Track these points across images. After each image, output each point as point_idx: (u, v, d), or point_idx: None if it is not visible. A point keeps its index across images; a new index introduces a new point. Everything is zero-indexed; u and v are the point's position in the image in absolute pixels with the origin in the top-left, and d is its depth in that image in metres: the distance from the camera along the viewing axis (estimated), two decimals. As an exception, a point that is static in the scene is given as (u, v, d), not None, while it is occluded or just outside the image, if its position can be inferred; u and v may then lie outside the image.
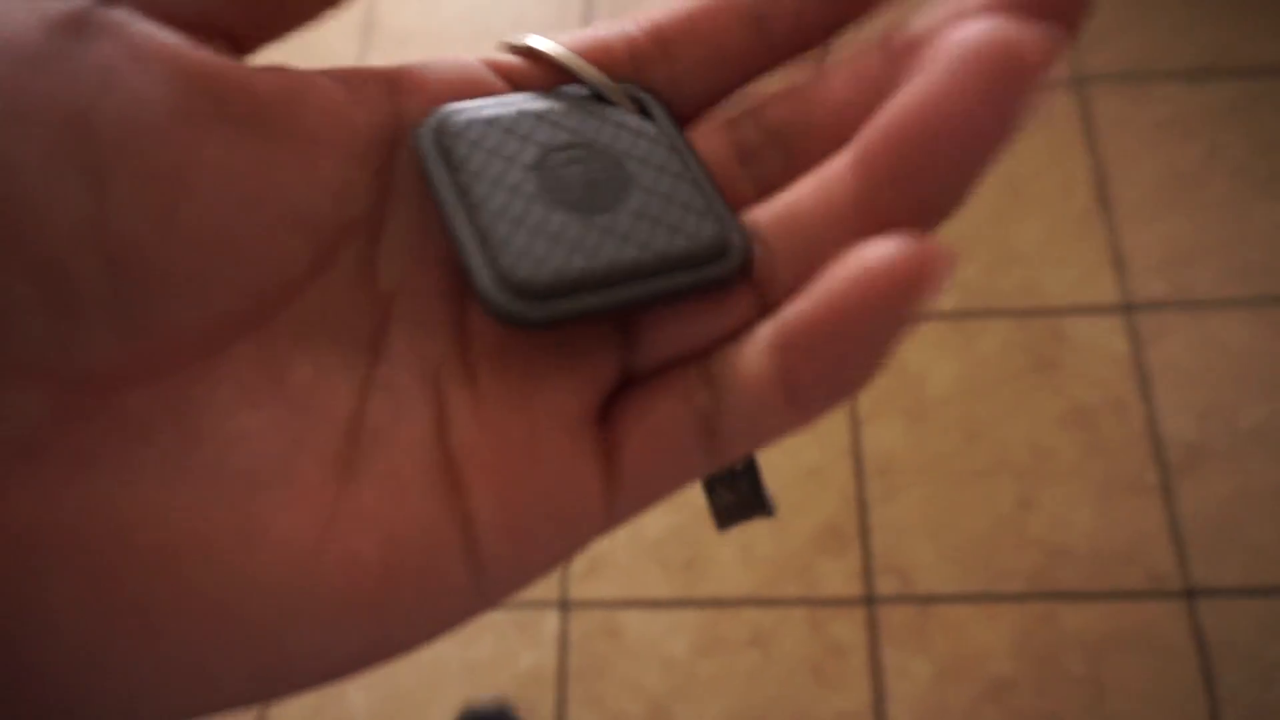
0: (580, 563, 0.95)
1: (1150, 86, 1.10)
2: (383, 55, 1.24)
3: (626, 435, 0.12)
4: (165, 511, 0.10)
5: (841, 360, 0.11)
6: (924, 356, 1.00)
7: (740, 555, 0.94)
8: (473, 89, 0.14)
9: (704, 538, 0.95)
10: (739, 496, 0.18)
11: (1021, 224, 1.05)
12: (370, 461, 0.12)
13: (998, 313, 1.01)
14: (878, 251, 0.11)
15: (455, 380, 0.12)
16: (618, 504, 0.12)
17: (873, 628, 0.90)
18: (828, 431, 0.98)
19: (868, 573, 0.92)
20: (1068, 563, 0.91)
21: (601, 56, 0.14)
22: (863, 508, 0.95)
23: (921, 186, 0.12)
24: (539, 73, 0.14)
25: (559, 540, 0.12)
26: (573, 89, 0.14)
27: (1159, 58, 1.11)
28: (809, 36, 0.14)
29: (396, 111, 0.13)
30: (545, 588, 0.94)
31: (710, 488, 0.17)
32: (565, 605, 0.94)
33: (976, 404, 0.97)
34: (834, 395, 0.12)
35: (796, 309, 0.12)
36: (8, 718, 0.10)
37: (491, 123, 0.13)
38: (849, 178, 0.12)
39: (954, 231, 1.05)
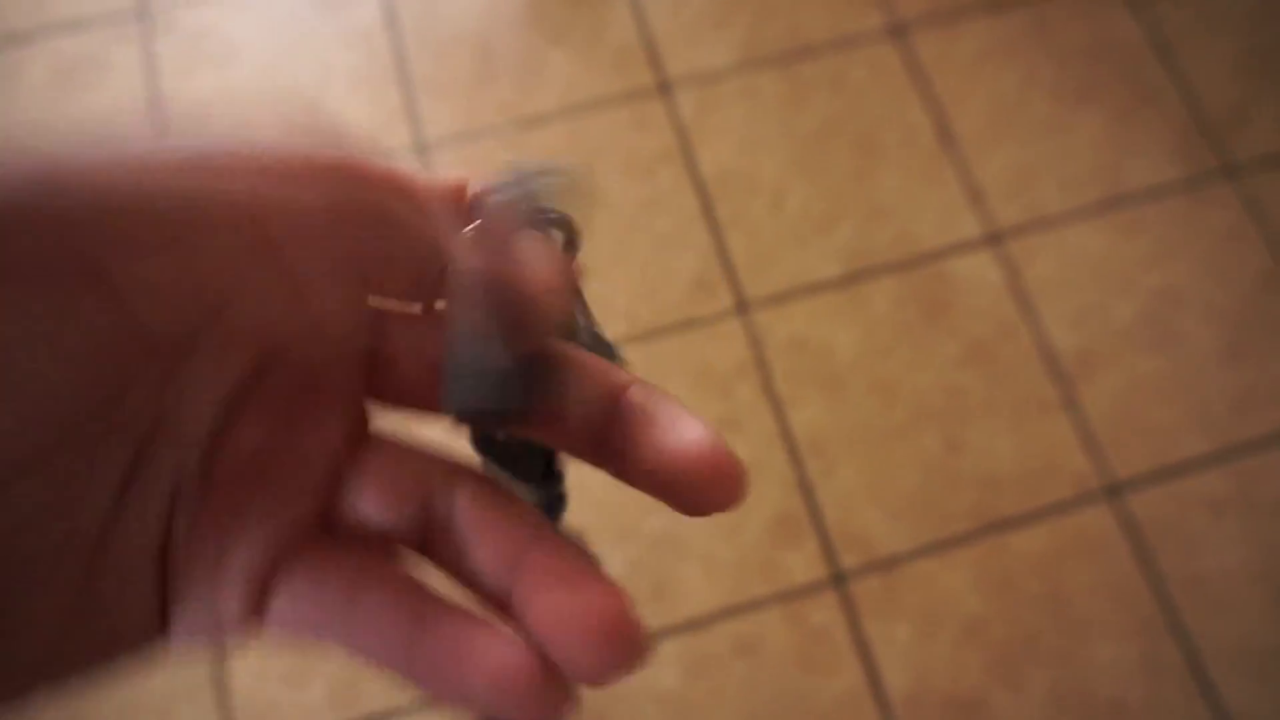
0: (547, 622, 0.92)
1: (959, 23, 1.15)
2: (180, 133, 1.13)
3: (280, 592, 0.15)
4: None
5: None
6: (825, 328, 1.01)
7: (703, 570, 0.93)
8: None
9: (663, 564, 0.94)
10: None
11: (879, 179, 1.08)
12: (115, 552, 0.14)
13: (881, 269, 1.04)
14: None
15: (187, 501, 0.15)
16: (261, 633, 0.15)
17: (848, 605, 0.92)
18: (754, 424, 0.98)
19: (829, 552, 0.94)
20: (1002, 492, 0.95)
21: None
22: (807, 490, 0.96)
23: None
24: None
25: (213, 639, 0.15)
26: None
27: (961, -6, 1.16)
28: None
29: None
30: (518, 657, 0.90)
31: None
32: (544, 669, 0.90)
33: (883, 362, 1.00)
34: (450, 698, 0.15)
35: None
36: None
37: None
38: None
39: (821, 200, 1.07)
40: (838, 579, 0.93)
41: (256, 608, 0.15)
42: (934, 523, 0.94)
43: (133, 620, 0.14)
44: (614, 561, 0.94)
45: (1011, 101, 1.11)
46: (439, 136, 1.12)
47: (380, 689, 0.90)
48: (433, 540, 0.16)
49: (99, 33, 1.19)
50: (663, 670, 0.90)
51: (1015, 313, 1.02)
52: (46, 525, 0.13)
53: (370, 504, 0.16)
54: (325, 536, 0.16)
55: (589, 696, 0.89)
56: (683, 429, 0.15)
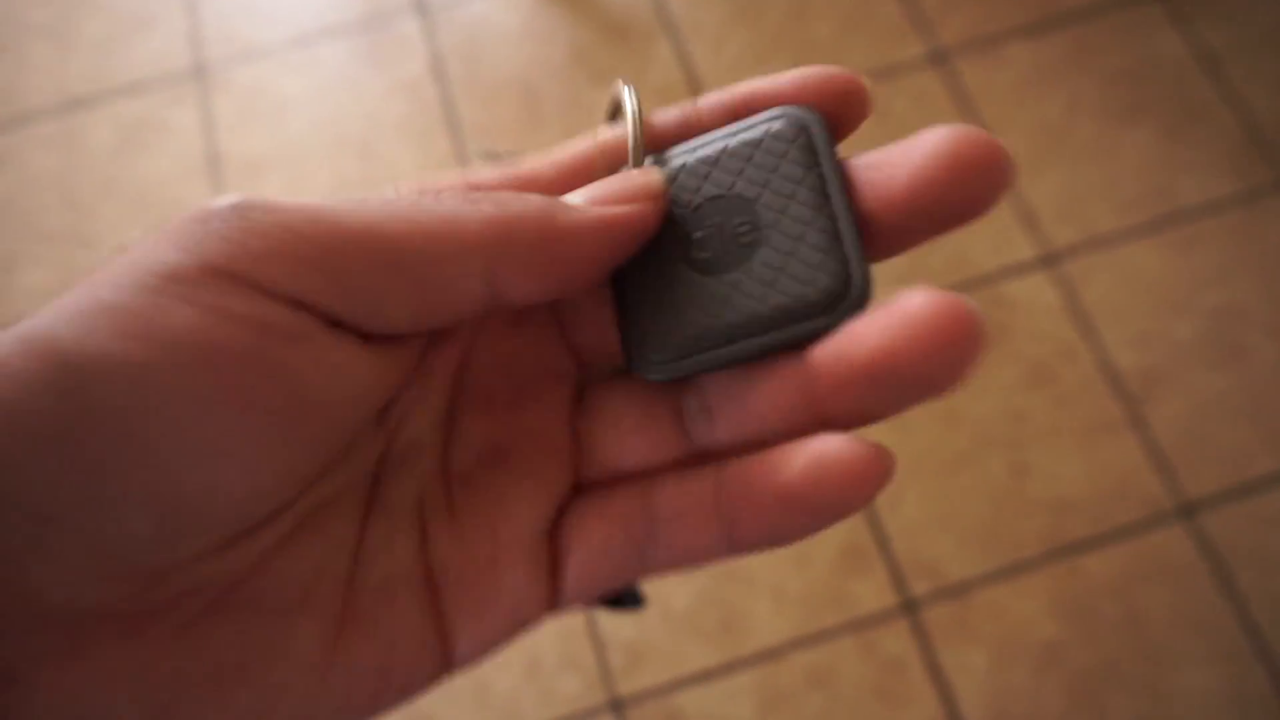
0: (620, 657, 0.91)
1: (1000, 48, 1.16)
2: (239, 189, 1.16)
3: (571, 550, 0.15)
4: (210, 649, 0.13)
5: (780, 530, 0.14)
6: (883, 356, 1.02)
7: (772, 602, 0.93)
8: None
9: (731, 596, 0.93)
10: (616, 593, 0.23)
11: (929, 206, 1.08)
12: (369, 577, 0.14)
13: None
14: (832, 449, 0.13)
15: (436, 503, 0.15)
16: (559, 604, 0.15)
17: (920, 633, 0.91)
18: (817, 454, 0.98)
19: (898, 580, 0.93)
20: (1072, 514, 0.94)
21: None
22: (874, 520, 0.95)
23: (869, 410, 0.14)
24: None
25: (513, 631, 0.15)
26: (737, 128, 0.15)
27: (1001, 18, 1.17)
28: None
29: None
30: (591, 693, 0.90)
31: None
32: (618, 705, 0.90)
33: (944, 388, 1.00)
34: (769, 546, 0.14)
35: (744, 478, 0.14)
36: None
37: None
38: (799, 390, 0.14)
39: (871, 228, 1.07)
40: (909, 607, 0.92)
41: (552, 579, 0.15)
42: (1004, 548, 0.93)
43: (406, 646, 0.14)
44: (682, 594, 0.93)
45: (1058, 125, 1.11)
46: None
47: (454, 731, 0.90)
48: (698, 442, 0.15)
49: (158, 94, 1.23)
50: (737, 704, 0.89)
51: (1075, 334, 1.01)
52: (291, 555, 0.14)
53: (624, 448, 0.15)
54: (589, 493, 0.16)
55: (663, 734, 0.88)
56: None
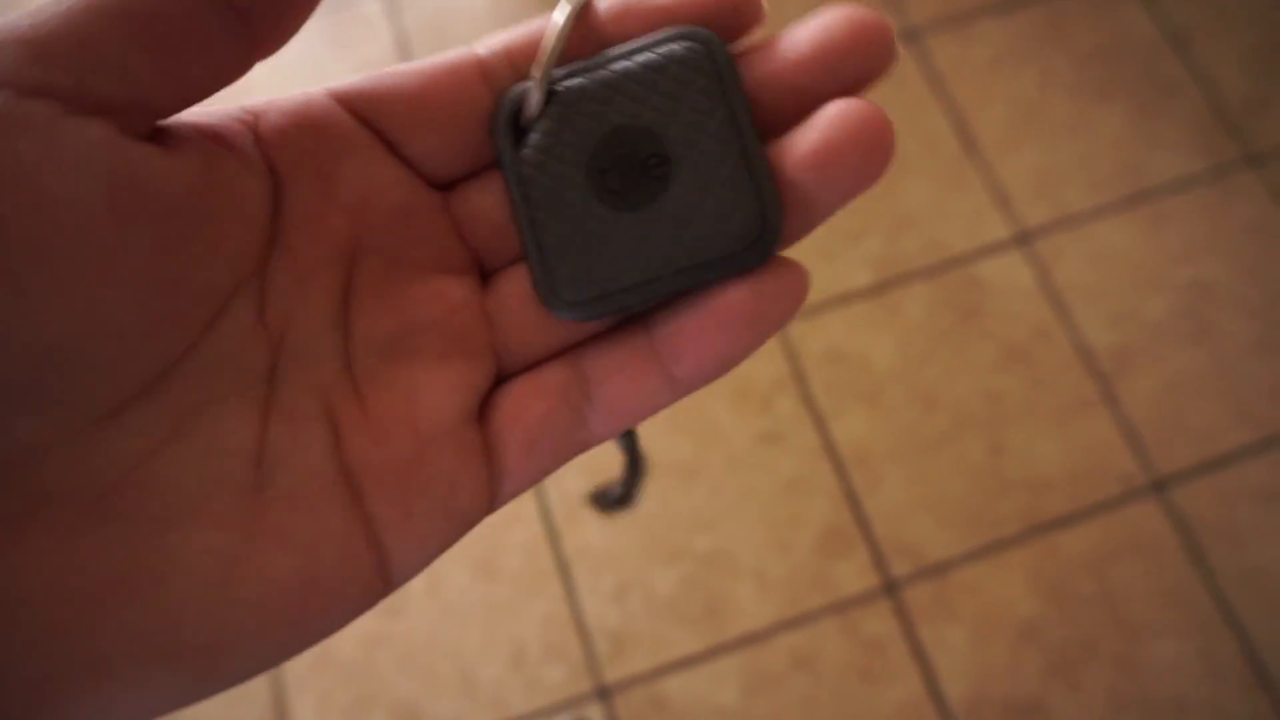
0: (605, 644, 0.92)
1: (972, 26, 1.15)
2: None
3: (506, 432, 0.14)
4: (86, 562, 0.12)
5: (723, 352, 0.14)
6: (861, 339, 1.02)
7: (755, 586, 0.93)
8: (331, 138, 0.15)
9: (714, 582, 0.94)
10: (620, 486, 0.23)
11: (906, 186, 1.08)
12: (276, 484, 0.13)
13: (912, 276, 1.04)
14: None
15: (345, 400, 0.14)
16: (501, 491, 0.15)
17: (901, 613, 0.92)
18: (797, 440, 0.98)
19: (880, 562, 0.94)
20: (1049, 492, 0.96)
21: (449, 78, 0.15)
22: (854, 501, 0.96)
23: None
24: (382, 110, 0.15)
25: (452, 529, 0.14)
26: (634, 48, 0.14)
27: (974, -2, 1.17)
28: None
29: (272, 169, 0.14)
30: (576, 681, 0.90)
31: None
32: (604, 692, 0.90)
33: (922, 370, 1.00)
34: (712, 376, 0.14)
35: (677, 319, 0.15)
36: None
37: (553, 113, 0.14)
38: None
39: (847, 212, 1.07)
40: (890, 587, 0.93)
41: (488, 468, 0.14)
42: (982, 527, 0.95)
43: (331, 550, 0.13)
44: (666, 581, 0.94)
45: (1030, 102, 1.11)
46: (463, 166, 1.12)
47: (440, 719, 0.90)
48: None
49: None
50: (722, 687, 0.90)
51: (1049, 313, 1.02)
52: (177, 460, 0.13)
53: (542, 328, 0.15)
54: (516, 375, 0.15)
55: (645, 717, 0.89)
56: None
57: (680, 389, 0.14)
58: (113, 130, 0.12)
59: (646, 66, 0.14)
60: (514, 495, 0.15)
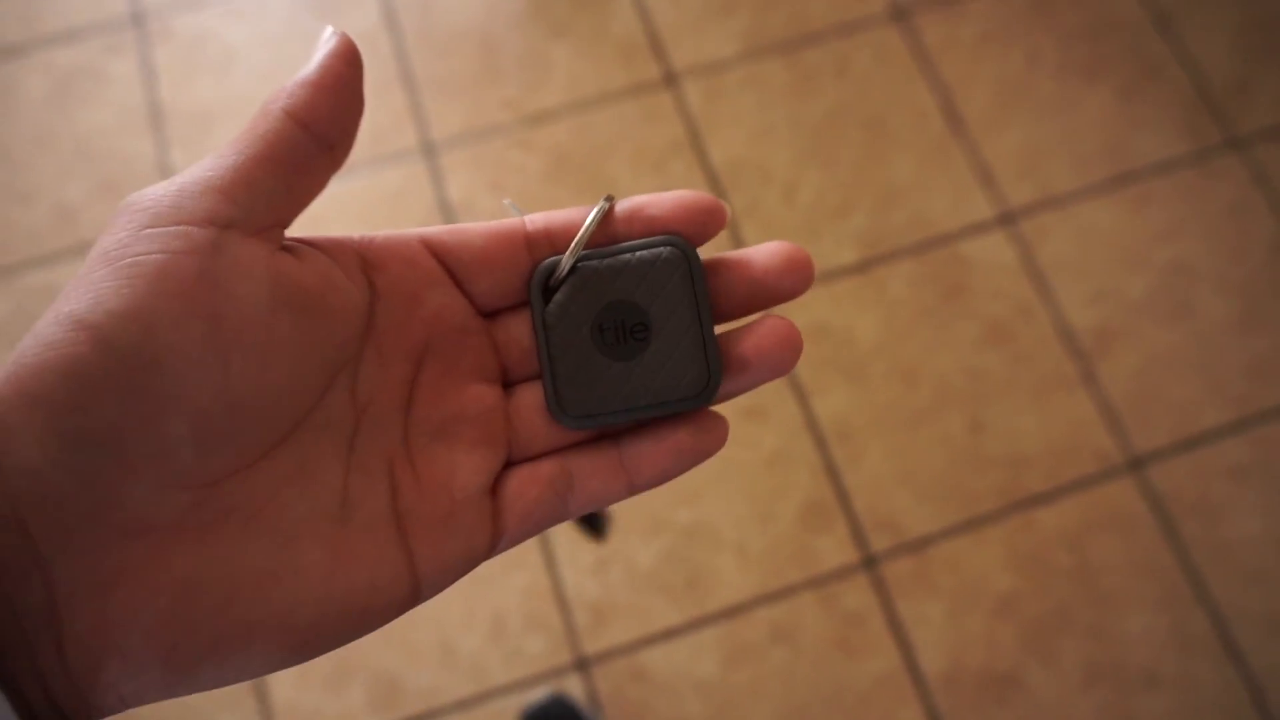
0: (584, 616, 0.92)
1: (961, 4, 1.15)
2: (185, 143, 1.12)
3: (509, 506, 0.20)
4: (245, 561, 0.17)
5: (670, 472, 0.21)
6: (845, 314, 1.02)
7: (736, 559, 0.94)
8: (416, 270, 0.20)
9: (696, 555, 0.94)
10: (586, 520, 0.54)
11: (891, 162, 1.08)
12: (354, 519, 0.19)
13: (898, 253, 1.04)
14: (702, 419, 0.22)
15: (402, 463, 0.20)
16: (500, 546, 0.20)
17: (880, 588, 0.93)
18: (779, 414, 0.98)
19: (859, 536, 0.94)
20: (1027, 469, 0.96)
21: (505, 244, 0.21)
22: (835, 476, 0.96)
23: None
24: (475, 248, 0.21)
25: (465, 567, 0.20)
26: (635, 246, 0.21)
27: (962, -24, 1.16)
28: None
29: (371, 284, 0.20)
30: (556, 653, 0.91)
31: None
32: (583, 664, 0.90)
33: (904, 346, 1.01)
34: (659, 484, 0.21)
35: (639, 443, 0.21)
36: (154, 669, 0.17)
37: (573, 283, 0.21)
38: None
39: (833, 187, 1.07)
40: (869, 562, 0.93)
41: (494, 525, 0.20)
42: (962, 503, 0.95)
43: (385, 571, 0.19)
44: (648, 554, 0.94)
45: (1017, 82, 1.12)
46: (447, 137, 1.11)
47: (419, 690, 0.90)
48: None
49: (93, 42, 1.17)
50: (701, 659, 0.90)
51: (1031, 291, 1.03)
52: (297, 493, 0.18)
53: (544, 433, 0.21)
54: (520, 463, 0.21)
55: (629, 695, 0.89)
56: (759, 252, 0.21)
57: (636, 490, 0.21)
58: (268, 246, 0.18)
59: (641, 260, 0.21)
60: (508, 549, 0.21)
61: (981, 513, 0.95)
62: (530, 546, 0.94)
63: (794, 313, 1.02)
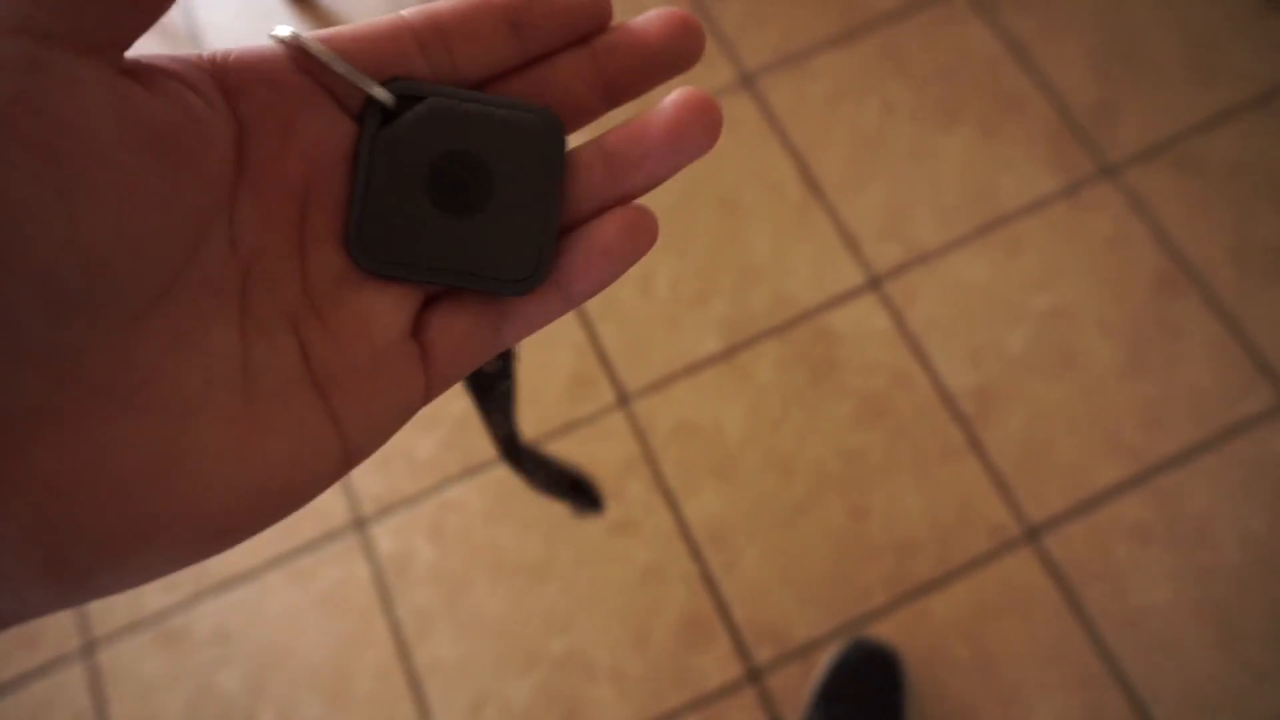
0: (459, 771, 0.87)
1: (808, 62, 1.11)
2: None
3: (435, 344, 0.18)
4: (127, 447, 0.15)
5: (607, 274, 0.18)
6: (711, 408, 0.97)
7: (613, 688, 0.88)
8: (285, 92, 0.17)
9: (572, 687, 0.89)
10: (578, 498, 0.32)
11: (749, 239, 1.04)
12: (260, 387, 0.16)
13: (761, 336, 0.99)
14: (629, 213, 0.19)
15: (307, 318, 0.17)
16: (433, 390, 0.18)
17: (768, 703, 0.87)
18: (650, 522, 0.93)
19: (742, 649, 0.89)
20: (916, 554, 0.90)
21: (389, 45, 0.17)
22: (712, 585, 0.91)
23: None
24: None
25: (398, 420, 0.18)
26: (509, 102, 0.18)
27: (803, 33, 1.12)
28: (555, 44, 0.18)
29: (237, 114, 0.16)
30: (434, 813, 0.85)
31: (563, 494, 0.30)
32: (462, 823, 0.85)
33: (775, 436, 0.96)
34: (602, 288, 0.19)
35: (571, 239, 0.19)
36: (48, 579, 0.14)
37: (419, 120, 0.18)
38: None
39: (690, 274, 1.03)
40: (753, 675, 0.88)
41: (424, 370, 0.18)
42: (848, 599, 0.89)
43: (306, 439, 0.16)
44: (522, 691, 0.89)
45: (872, 136, 1.07)
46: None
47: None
48: None
49: None
50: (584, 805, 0.85)
51: (907, 358, 0.97)
52: (185, 365, 0.15)
53: None
54: (441, 299, 0.19)
55: (510, 846, 0.84)
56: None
57: (574, 304, 0.19)
58: (107, 69, 0.14)
59: (505, 118, 0.18)
60: (443, 390, 0.18)
61: (869, 609, 0.89)
62: (401, 695, 0.90)
63: (658, 413, 0.97)
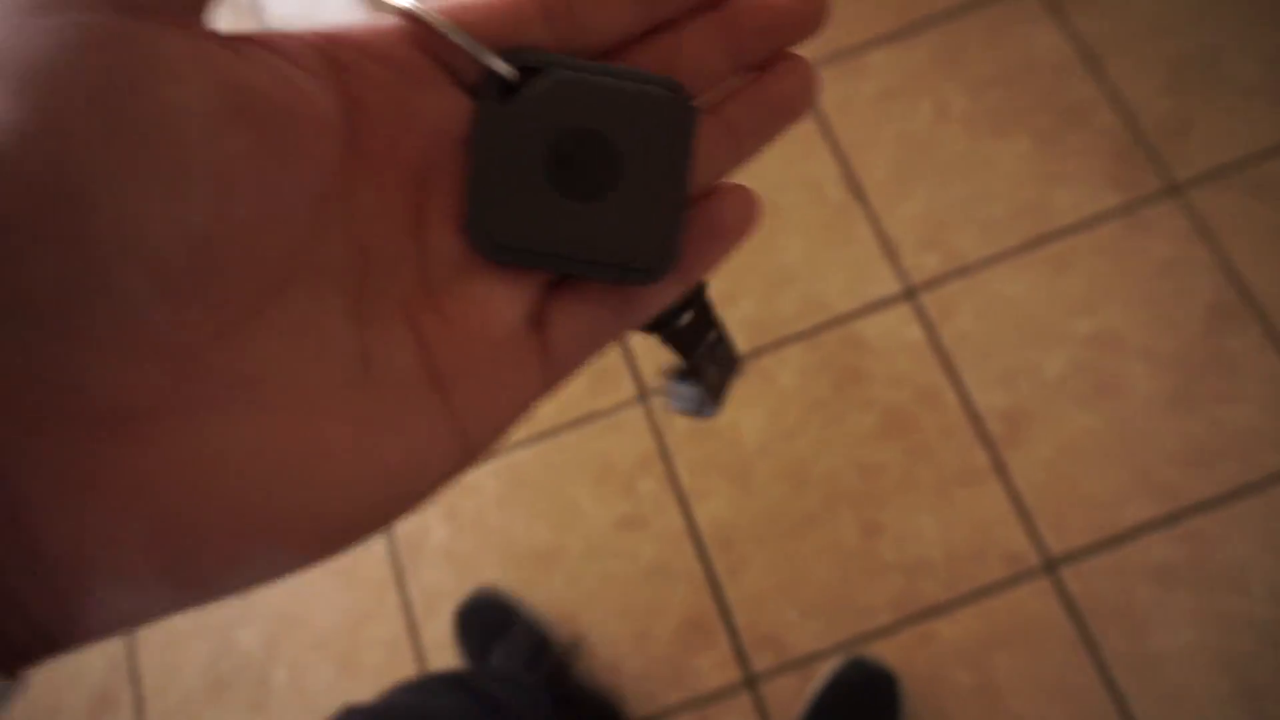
0: (455, 747, 0.89)
1: (862, 59, 1.07)
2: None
3: (555, 334, 0.17)
4: (254, 442, 0.14)
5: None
6: (729, 410, 0.96)
7: (611, 681, 0.89)
8: (400, 69, 0.16)
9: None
10: (719, 364, 0.26)
11: (785, 241, 1.02)
12: (379, 384, 0.15)
13: (787, 340, 0.98)
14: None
15: (425, 309, 0.16)
16: (550, 382, 0.17)
17: (762, 710, 0.86)
18: (659, 520, 0.93)
19: (740, 655, 0.88)
20: (928, 576, 0.88)
21: (511, 12, 0.16)
22: (716, 589, 0.91)
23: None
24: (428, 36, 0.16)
25: (518, 413, 0.17)
26: (637, 75, 0.17)
27: (857, 28, 1.08)
28: (682, 9, 0.17)
29: (346, 91, 0.16)
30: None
31: (697, 372, 0.25)
32: (453, 797, 0.88)
33: (793, 444, 0.94)
34: (714, 266, 0.18)
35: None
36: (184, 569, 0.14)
37: (542, 96, 0.16)
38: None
39: (721, 268, 1.01)
40: (750, 682, 0.87)
41: (544, 361, 0.17)
42: (851, 616, 0.88)
43: (424, 437, 0.16)
44: (522, 677, 0.91)
45: (923, 138, 1.03)
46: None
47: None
48: None
49: None
50: (571, 793, 0.86)
51: (937, 374, 0.94)
52: (304, 358, 0.15)
53: None
54: (561, 286, 0.18)
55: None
56: None
57: (690, 284, 0.18)
58: (196, 38, 0.14)
59: (631, 95, 0.17)
60: (561, 383, 0.17)
61: (873, 627, 0.88)
62: (408, 668, 0.92)
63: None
